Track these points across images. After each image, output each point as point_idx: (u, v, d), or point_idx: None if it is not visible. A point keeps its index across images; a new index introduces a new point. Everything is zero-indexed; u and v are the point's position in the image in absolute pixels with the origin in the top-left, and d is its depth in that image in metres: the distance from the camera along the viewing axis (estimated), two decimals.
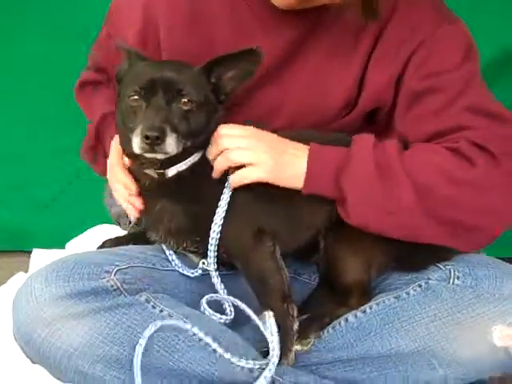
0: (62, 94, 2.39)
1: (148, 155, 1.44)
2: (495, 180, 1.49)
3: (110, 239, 1.73)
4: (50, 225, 2.60)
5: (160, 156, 1.44)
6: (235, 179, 1.52)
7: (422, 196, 1.47)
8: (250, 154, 1.50)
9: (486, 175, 1.48)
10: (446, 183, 1.48)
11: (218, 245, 1.53)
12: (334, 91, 1.64)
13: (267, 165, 1.50)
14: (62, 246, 2.01)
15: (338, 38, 1.60)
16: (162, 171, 1.53)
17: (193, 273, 1.61)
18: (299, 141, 1.55)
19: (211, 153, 1.53)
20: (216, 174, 1.53)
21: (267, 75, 1.64)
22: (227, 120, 1.56)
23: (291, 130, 1.62)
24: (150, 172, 1.54)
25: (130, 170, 1.59)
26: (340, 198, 1.51)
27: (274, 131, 1.58)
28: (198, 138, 1.51)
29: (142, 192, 1.57)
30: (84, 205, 2.53)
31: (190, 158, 1.53)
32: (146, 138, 1.38)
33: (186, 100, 1.46)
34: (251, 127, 1.55)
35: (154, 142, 1.38)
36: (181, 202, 1.54)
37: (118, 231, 1.97)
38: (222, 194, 1.53)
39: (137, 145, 1.41)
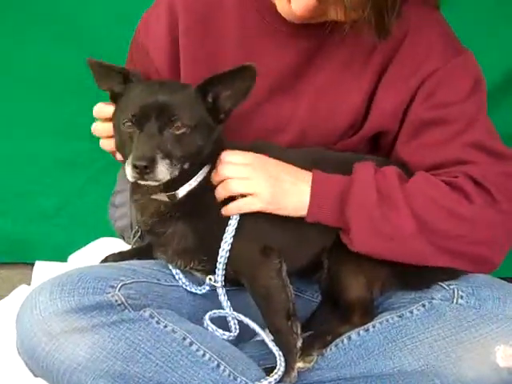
0: (68, 104, 2.41)
1: (141, 182, 1.44)
2: (493, 219, 1.52)
3: (114, 254, 1.72)
4: (53, 237, 2.58)
5: (152, 183, 1.44)
6: (232, 209, 1.51)
7: (422, 226, 1.49)
8: (249, 184, 1.51)
9: (484, 213, 1.51)
10: (443, 218, 1.50)
11: (226, 263, 1.53)
12: (343, 106, 1.64)
13: (265, 195, 1.50)
14: (65, 259, 2.00)
15: (351, 52, 1.61)
16: (172, 193, 1.53)
17: (200, 290, 1.61)
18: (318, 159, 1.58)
19: (214, 179, 1.53)
20: (218, 200, 1.53)
21: (279, 85, 1.64)
22: (238, 132, 1.57)
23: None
24: (159, 196, 1.53)
25: (141, 203, 1.58)
26: (344, 226, 1.52)
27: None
28: (197, 159, 1.50)
29: (156, 218, 1.56)
30: (88, 217, 2.53)
31: (197, 175, 1.53)
32: (136, 167, 1.39)
33: (179, 124, 1.44)
34: (252, 153, 1.54)
35: (142, 171, 1.39)
36: (192, 221, 1.53)
37: (120, 245, 1.96)
38: None
39: (129, 173, 1.42)
